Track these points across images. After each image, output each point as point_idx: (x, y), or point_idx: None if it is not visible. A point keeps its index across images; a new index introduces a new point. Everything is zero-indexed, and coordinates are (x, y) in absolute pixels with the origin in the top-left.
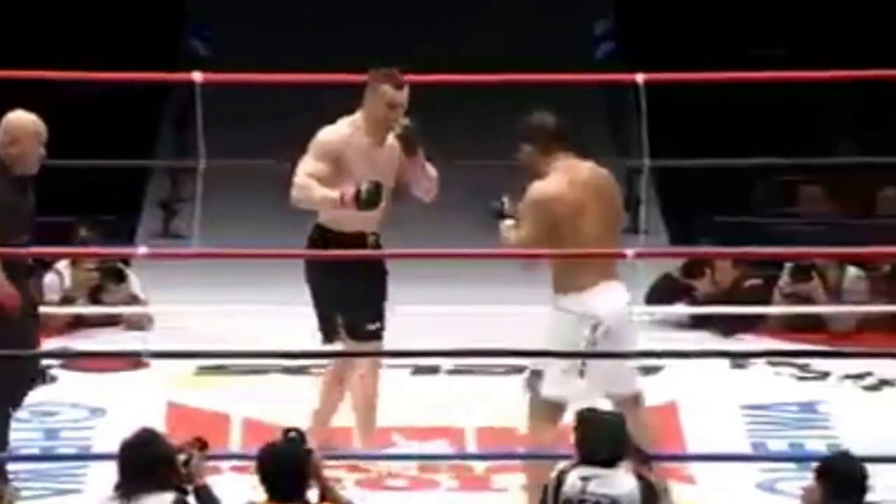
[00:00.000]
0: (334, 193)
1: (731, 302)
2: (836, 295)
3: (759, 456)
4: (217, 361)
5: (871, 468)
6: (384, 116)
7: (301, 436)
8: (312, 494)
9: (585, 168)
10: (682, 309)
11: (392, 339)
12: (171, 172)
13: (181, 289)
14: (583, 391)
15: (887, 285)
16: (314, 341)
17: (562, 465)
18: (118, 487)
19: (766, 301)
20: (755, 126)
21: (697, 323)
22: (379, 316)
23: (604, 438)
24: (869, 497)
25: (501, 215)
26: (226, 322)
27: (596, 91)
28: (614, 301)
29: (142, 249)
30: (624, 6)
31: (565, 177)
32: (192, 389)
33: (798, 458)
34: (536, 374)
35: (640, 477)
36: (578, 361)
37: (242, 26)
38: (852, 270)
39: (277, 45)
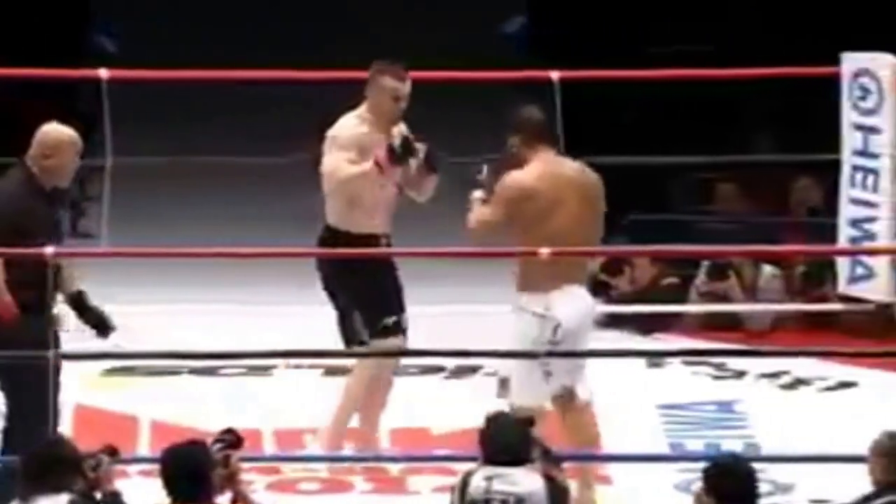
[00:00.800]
0: (367, 164)
1: (649, 300)
2: (751, 294)
3: (676, 456)
4: (126, 363)
5: (787, 467)
6: (389, 109)
7: (238, 438)
8: (225, 500)
9: (569, 166)
10: (598, 307)
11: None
12: (79, 171)
13: (89, 289)
14: (550, 393)
15: (802, 284)
16: (224, 341)
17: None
18: (20, 489)
19: (683, 300)
20: (672, 123)
21: (614, 322)
22: (395, 310)
23: (508, 439)
24: (778, 498)
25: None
26: (135, 322)
27: (510, 87)
28: (577, 306)
29: (49, 249)
30: (537, 3)
31: (543, 170)
32: (100, 391)
33: (709, 457)
34: (505, 382)
35: (547, 477)
36: (542, 364)
37: (150, 23)
38: (767, 269)
39: (185, 41)
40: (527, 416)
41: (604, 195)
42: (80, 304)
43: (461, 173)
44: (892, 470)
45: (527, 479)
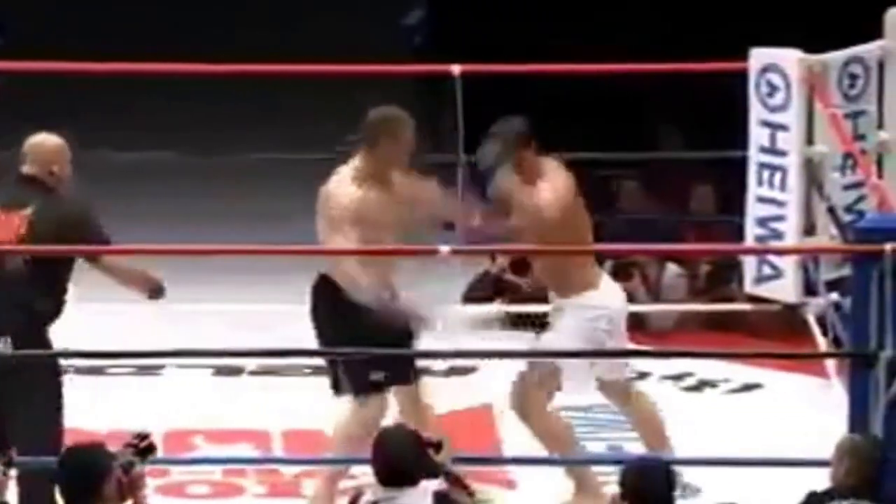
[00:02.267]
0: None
1: (549, 300)
2: (655, 293)
3: (578, 459)
4: None
5: (691, 470)
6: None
7: (150, 445)
8: None
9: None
10: (498, 307)
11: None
12: None
13: None
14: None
15: (707, 284)
16: (113, 340)
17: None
18: None
19: None
20: (575, 119)
21: (514, 322)
22: (384, 362)
23: (391, 459)
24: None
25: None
26: None
27: (407, 83)
28: (618, 294)
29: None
30: None
31: (566, 178)
32: None
33: (616, 460)
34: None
35: (441, 496)
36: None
37: (38, 13)
38: (672, 268)
39: (75, 33)
40: (412, 431)
41: None
42: None
43: None
44: (855, 472)
45: (415, 500)
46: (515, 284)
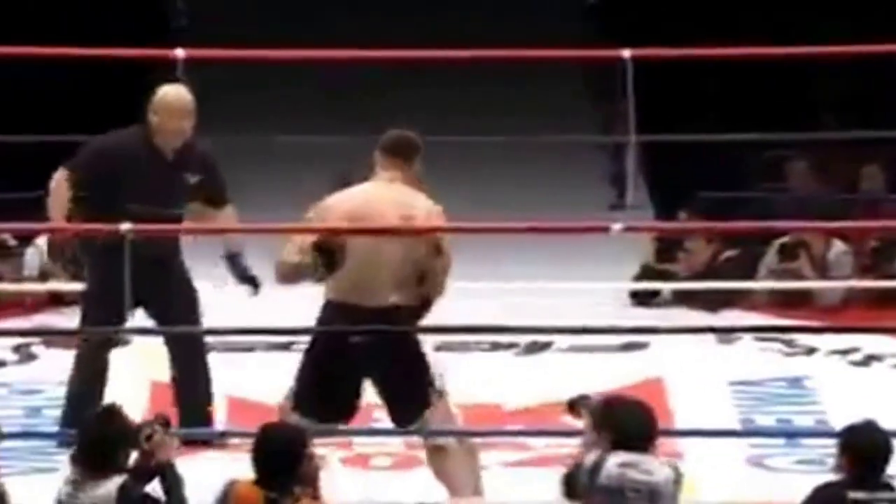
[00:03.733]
0: None
1: (711, 277)
2: (821, 270)
3: (748, 431)
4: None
5: None
6: None
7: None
8: None
9: None
10: (666, 285)
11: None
12: None
13: None
14: None
15: (873, 261)
16: (298, 317)
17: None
18: (76, 468)
19: (747, 275)
20: (743, 101)
21: (681, 299)
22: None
23: (638, 423)
24: None
25: None
26: (213, 299)
27: (576, 66)
28: None
29: (125, 226)
30: None
31: None
32: None
33: (786, 433)
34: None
35: (671, 463)
36: None
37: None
38: (838, 245)
39: (255, 19)
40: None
41: None
42: (233, 263)
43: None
44: None
45: (658, 468)
46: (665, 273)
